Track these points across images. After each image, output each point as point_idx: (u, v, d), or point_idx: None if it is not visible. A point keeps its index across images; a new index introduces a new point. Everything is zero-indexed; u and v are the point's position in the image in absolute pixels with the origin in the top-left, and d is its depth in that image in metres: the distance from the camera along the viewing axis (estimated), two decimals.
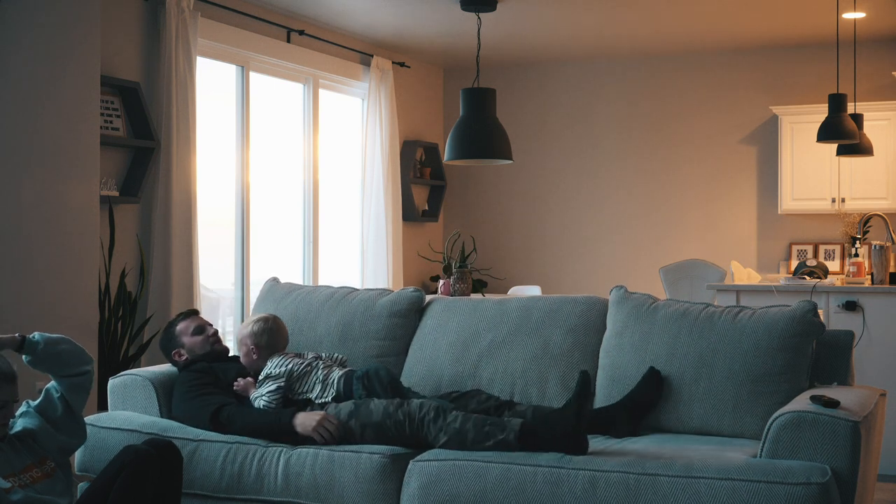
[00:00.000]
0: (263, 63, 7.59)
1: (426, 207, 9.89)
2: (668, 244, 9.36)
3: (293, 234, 8.09)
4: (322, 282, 8.23)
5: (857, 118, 7.38)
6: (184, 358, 4.11)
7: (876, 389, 3.76)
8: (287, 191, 8.02)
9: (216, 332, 4.18)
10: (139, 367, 5.91)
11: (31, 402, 3.52)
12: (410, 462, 3.49)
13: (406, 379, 4.16)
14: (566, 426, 3.38)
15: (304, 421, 3.68)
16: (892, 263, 6.34)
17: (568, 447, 3.38)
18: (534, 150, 9.86)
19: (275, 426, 3.72)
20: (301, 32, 7.87)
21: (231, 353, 4.26)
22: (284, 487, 3.60)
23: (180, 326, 4.15)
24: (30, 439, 3.43)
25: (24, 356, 3.43)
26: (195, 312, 4.24)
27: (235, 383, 3.97)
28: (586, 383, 3.42)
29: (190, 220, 6.49)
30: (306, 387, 3.90)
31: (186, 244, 6.46)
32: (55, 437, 3.46)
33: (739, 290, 6.23)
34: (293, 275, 8.02)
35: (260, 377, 3.94)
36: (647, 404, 3.72)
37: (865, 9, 7.46)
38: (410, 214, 9.36)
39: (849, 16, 7.61)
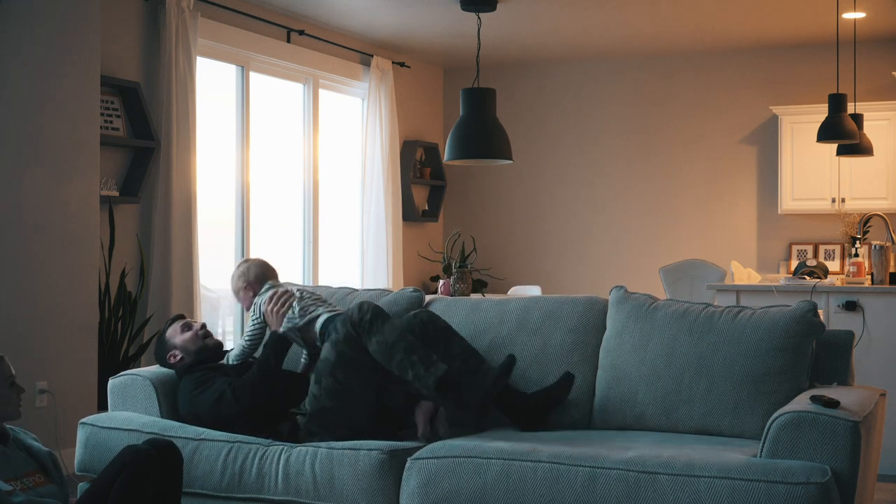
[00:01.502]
0: (263, 63, 7.59)
1: (426, 207, 9.89)
2: (668, 244, 9.36)
3: (293, 234, 8.09)
4: (322, 282, 8.23)
5: (857, 118, 7.38)
6: (179, 358, 4.10)
7: (876, 389, 3.76)
8: (287, 191, 8.02)
9: (204, 325, 4.18)
10: (139, 367, 5.91)
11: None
12: (409, 459, 3.49)
13: None
14: (480, 392, 3.64)
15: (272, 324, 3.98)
16: (892, 263, 6.34)
17: (476, 412, 3.67)
18: (534, 150, 9.87)
19: (271, 347, 3.89)
20: (301, 32, 7.87)
21: (225, 347, 4.26)
22: (285, 486, 3.61)
23: (169, 331, 4.17)
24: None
25: None
26: (181, 316, 4.26)
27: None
28: (509, 366, 3.75)
29: (190, 220, 6.49)
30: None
31: (186, 244, 6.46)
32: None
33: (739, 290, 6.23)
34: (293, 275, 8.02)
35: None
36: (556, 400, 3.84)
37: (865, 9, 7.46)
38: (410, 214, 9.36)
39: (849, 16, 7.61)
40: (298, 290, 4.10)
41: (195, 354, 4.08)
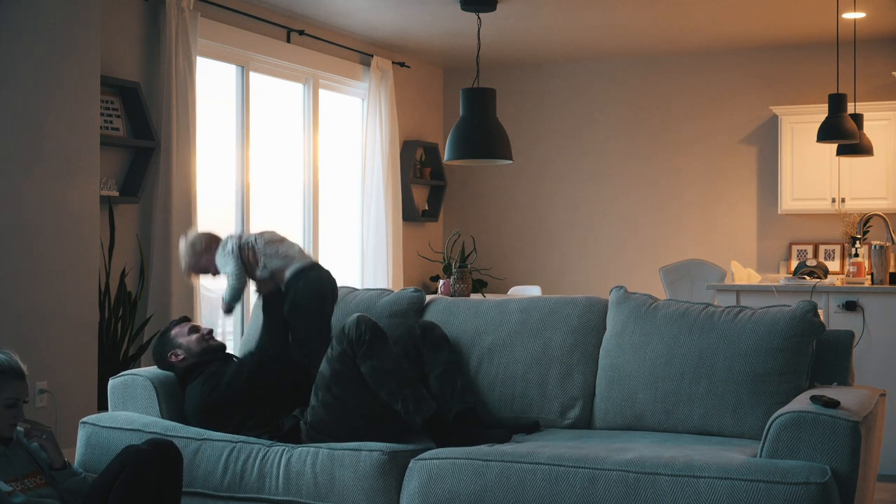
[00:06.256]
0: (263, 63, 7.59)
1: (426, 207, 9.89)
2: (668, 244, 9.36)
3: (293, 235, 8.07)
4: None
5: (857, 118, 7.38)
6: (181, 357, 4.09)
7: (876, 389, 3.76)
8: (287, 191, 8.02)
9: (211, 330, 4.19)
10: (139, 367, 5.91)
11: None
12: (411, 460, 3.49)
13: None
14: (463, 441, 3.61)
15: None
16: (892, 263, 6.34)
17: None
18: (534, 150, 9.87)
19: (265, 308, 4.11)
20: (301, 32, 7.87)
21: (228, 350, 4.26)
22: (285, 486, 3.61)
23: (175, 330, 4.17)
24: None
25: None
26: (187, 318, 4.27)
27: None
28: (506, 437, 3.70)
29: (190, 220, 6.49)
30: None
31: None
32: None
33: (739, 290, 6.23)
34: None
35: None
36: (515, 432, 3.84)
37: (865, 9, 7.46)
38: (410, 214, 9.36)
39: (849, 16, 7.61)
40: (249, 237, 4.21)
41: (198, 356, 4.08)
